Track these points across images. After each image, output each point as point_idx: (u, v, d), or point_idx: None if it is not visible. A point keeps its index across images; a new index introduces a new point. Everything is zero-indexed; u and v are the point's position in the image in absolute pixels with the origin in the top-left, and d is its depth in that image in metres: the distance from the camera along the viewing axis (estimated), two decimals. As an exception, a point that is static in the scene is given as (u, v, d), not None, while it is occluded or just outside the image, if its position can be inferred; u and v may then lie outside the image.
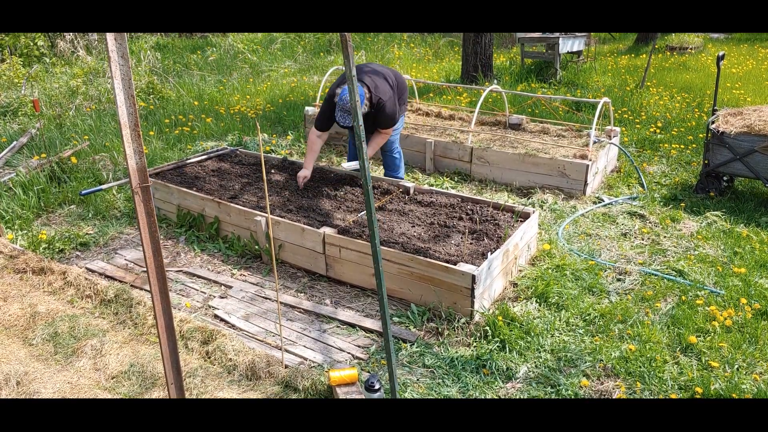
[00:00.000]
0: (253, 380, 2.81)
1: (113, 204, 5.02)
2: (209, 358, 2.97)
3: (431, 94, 8.77)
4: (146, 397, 2.70)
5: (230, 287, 3.77)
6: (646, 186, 5.30)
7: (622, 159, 5.99)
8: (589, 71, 10.05)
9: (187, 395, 2.42)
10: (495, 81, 9.36)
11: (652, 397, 2.77)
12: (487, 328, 3.20)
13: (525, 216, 3.99)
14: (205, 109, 8.01)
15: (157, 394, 2.71)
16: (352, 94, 2.10)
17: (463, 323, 3.27)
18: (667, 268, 3.88)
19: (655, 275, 3.77)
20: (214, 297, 3.68)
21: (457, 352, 3.07)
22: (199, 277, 3.93)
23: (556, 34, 9.57)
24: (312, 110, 6.84)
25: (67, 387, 2.72)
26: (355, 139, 2.16)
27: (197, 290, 3.76)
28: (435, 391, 2.80)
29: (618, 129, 5.90)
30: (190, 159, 5.20)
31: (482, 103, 6.32)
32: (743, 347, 3.05)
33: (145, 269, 2.92)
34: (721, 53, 5.08)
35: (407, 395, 2.77)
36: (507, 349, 3.08)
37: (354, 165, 4.66)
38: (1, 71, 9.09)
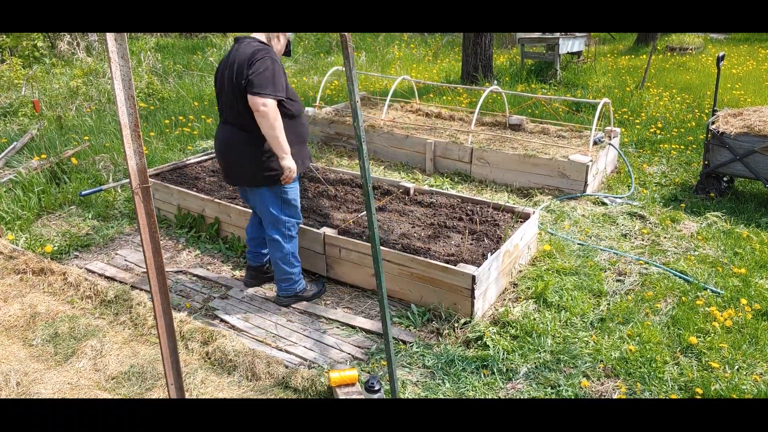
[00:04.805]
0: (253, 381, 2.81)
1: (113, 204, 5.01)
2: (209, 358, 2.97)
3: (431, 95, 8.77)
4: (146, 397, 2.70)
5: (230, 288, 3.77)
6: (633, 188, 5.28)
7: (622, 159, 5.99)
8: (589, 72, 10.05)
9: (187, 396, 2.42)
10: (495, 81, 9.36)
11: (652, 398, 2.77)
12: (488, 328, 3.20)
13: (525, 216, 3.99)
14: (205, 110, 8.00)
15: (157, 394, 2.70)
16: (352, 95, 2.10)
17: (463, 324, 3.26)
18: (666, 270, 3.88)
19: (657, 266, 3.77)
20: (214, 297, 3.68)
21: (457, 353, 3.07)
22: (199, 277, 3.92)
23: (556, 35, 9.57)
24: (312, 111, 6.83)
25: (67, 387, 2.71)
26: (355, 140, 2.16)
27: (197, 291, 3.76)
28: (435, 392, 2.80)
29: (618, 129, 5.90)
30: (190, 159, 5.19)
31: (482, 103, 6.31)
32: (743, 348, 3.05)
33: (145, 270, 2.92)
34: (721, 54, 5.08)
35: (407, 396, 2.77)
36: (507, 349, 3.08)
37: None
38: (1, 72, 9.09)
